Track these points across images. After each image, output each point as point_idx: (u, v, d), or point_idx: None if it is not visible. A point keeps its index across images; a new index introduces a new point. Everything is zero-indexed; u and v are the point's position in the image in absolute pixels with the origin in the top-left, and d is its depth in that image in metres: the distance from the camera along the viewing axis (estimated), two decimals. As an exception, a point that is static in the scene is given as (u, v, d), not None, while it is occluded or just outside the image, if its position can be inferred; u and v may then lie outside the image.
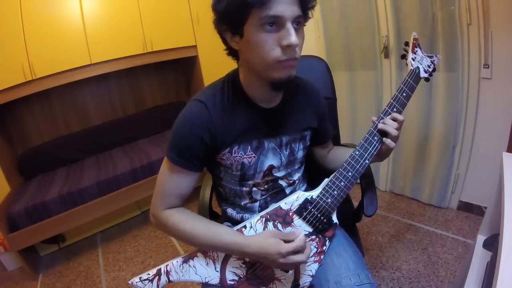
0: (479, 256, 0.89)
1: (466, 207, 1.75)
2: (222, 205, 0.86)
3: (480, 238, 0.94)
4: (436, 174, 1.77)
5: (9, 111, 2.13)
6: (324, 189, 0.70)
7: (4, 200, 1.84)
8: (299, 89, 0.79)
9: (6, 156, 2.02)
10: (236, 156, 0.71)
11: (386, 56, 1.78)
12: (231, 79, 0.72)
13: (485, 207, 1.32)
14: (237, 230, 0.71)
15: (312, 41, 2.09)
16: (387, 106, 0.71)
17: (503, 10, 1.33)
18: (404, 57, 0.79)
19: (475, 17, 1.40)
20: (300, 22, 0.61)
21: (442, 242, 1.57)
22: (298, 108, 0.78)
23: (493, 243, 0.86)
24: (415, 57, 0.76)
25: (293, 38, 0.58)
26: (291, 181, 0.80)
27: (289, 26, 0.58)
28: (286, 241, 0.65)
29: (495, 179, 0.85)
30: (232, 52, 0.69)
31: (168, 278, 0.72)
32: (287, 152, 0.77)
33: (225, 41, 0.67)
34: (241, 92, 0.71)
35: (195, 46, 2.44)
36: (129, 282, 0.73)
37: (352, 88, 2.03)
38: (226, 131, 0.69)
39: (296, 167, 0.81)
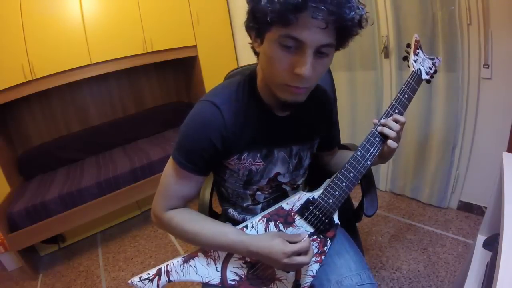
0: (479, 256, 0.89)
1: (466, 207, 1.75)
2: (223, 205, 0.86)
3: (480, 238, 0.94)
4: (436, 174, 1.77)
5: (9, 111, 2.13)
6: (325, 189, 0.70)
7: (4, 200, 1.83)
8: (313, 98, 0.75)
9: (6, 156, 2.02)
10: (245, 163, 0.70)
11: (386, 56, 1.78)
12: (248, 81, 0.69)
13: (485, 207, 1.32)
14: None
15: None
16: (388, 107, 0.71)
17: (503, 10, 1.33)
18: (405, 58, 0.79)
19: (475, 17, 1.40)
20: (326, 51, 0.54)
21: (442, 242, 1.57)
22: (310, 118, 0.76)
23: (493, 243, 0.86)
24: (417, 59, 0.76)
25: (306, 70, 0.52)
26: (294, 186, 0.80)
27: (308, 55, 0.51)
28: (290, 242, 0.64)
29: (495, 179, 0.85)
30: (253, 49, 0.65)
31: (168, 278, 0.72)
32: (296, 161, 0.76)
33: (250, 38, 0.62)
34: (257, 97, 0.68)
35: (195, 46, 2.44)
36: (129, 281, 0.72)
37: (352, 88, 2.03)
38: (237, 137, 0.66)
39: (301, 173, 0.81)
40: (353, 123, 2.09)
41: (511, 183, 0.74)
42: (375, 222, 1.81)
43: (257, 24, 0.55)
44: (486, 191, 1.48)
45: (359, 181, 0.96)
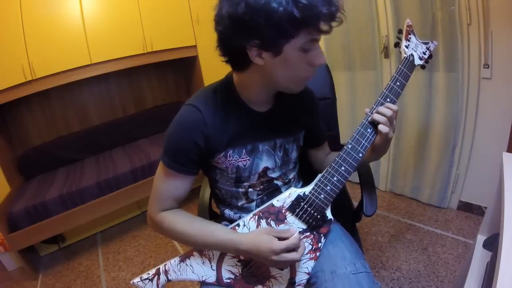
0: (479, 256, 0.89)
1: (466, 207, 1.75)
2: (219, 207, 0.87)
3: (480, 238, 0.94)
4: (436, 174, 1.77)
5: (9, 111, 2.13)
6: (316, 184, 0.69)
7: (4, 200, 1.84)
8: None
9: (6, 156, 2.03)
10: (231, 160, 0.71)
11: (386, 56, 1.78)
12: (225, 83, 0.73)
13: (485, 207, 1.32)
14: (231, 228, 0.72)
15: (312, 41, 2.08)
16: (379, 97, 0.69)
17: (503, 10, 1.33)
18: (397, 45, 0.77)
19: (475, 17, 1.40)
20: None
21: (442, 242, 1.57)
22: (291, 111, 0.78)
23: (493, 243, 0.85)
24: (409, 44, 0.74)
25: (323, 59, 0.60)
26: (286, 180, 0.81)
27: (319, 46, 0.59)
28: (280, 239, 0.64)
29: (495, 179, 0.85)
30: (236, 61, 0.65)
31: (167, 277, 0.73)
32: (281, 154, 0.77)
33: (237, 52, 0.61)
34: (235, 96, 0.71)
35: (195, 46, 2.45)
36: (131, 282, 0.74)
37: (352, 88, 2.02)
38: (220, 135, 0.69)
39: (291, 167, 0.81)
40: (353, 123, 2.09)
41: (511, 183, 0.74)
42: (375, 222, 1.80)
43: (275, 36, 0.55)
44: (486, 191, 1.48)
45: (358, 181, 0.96)
